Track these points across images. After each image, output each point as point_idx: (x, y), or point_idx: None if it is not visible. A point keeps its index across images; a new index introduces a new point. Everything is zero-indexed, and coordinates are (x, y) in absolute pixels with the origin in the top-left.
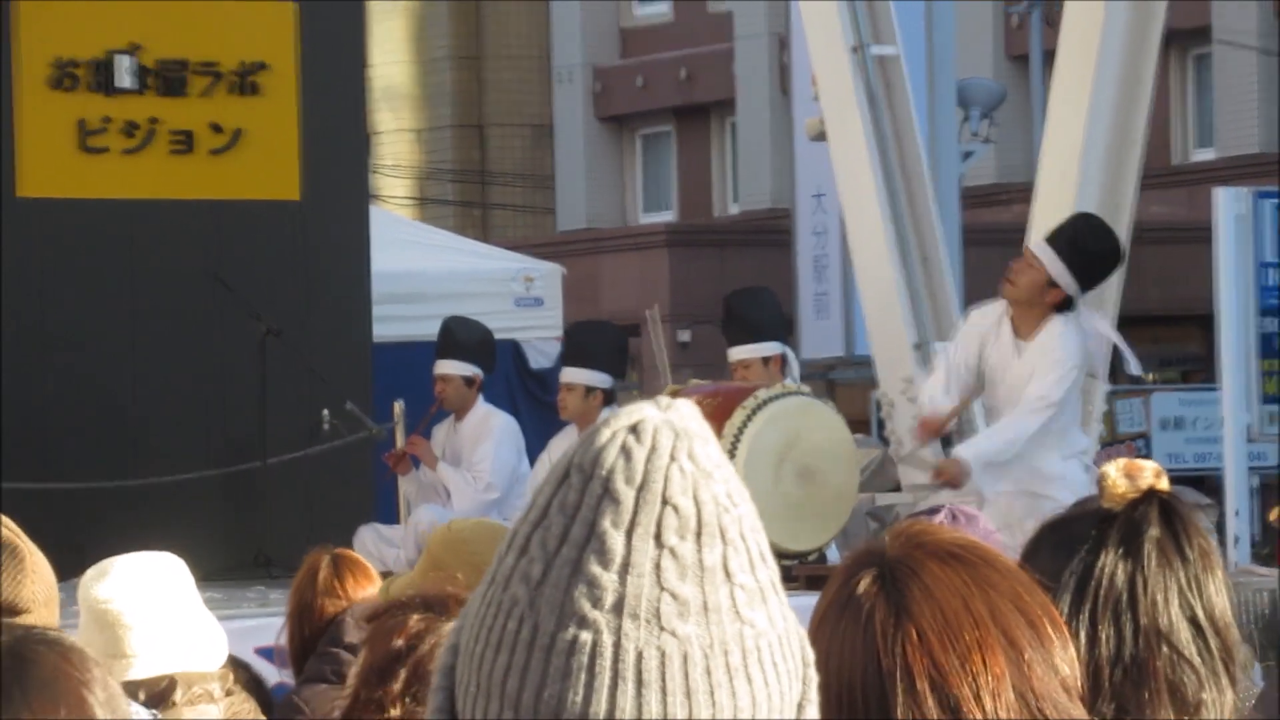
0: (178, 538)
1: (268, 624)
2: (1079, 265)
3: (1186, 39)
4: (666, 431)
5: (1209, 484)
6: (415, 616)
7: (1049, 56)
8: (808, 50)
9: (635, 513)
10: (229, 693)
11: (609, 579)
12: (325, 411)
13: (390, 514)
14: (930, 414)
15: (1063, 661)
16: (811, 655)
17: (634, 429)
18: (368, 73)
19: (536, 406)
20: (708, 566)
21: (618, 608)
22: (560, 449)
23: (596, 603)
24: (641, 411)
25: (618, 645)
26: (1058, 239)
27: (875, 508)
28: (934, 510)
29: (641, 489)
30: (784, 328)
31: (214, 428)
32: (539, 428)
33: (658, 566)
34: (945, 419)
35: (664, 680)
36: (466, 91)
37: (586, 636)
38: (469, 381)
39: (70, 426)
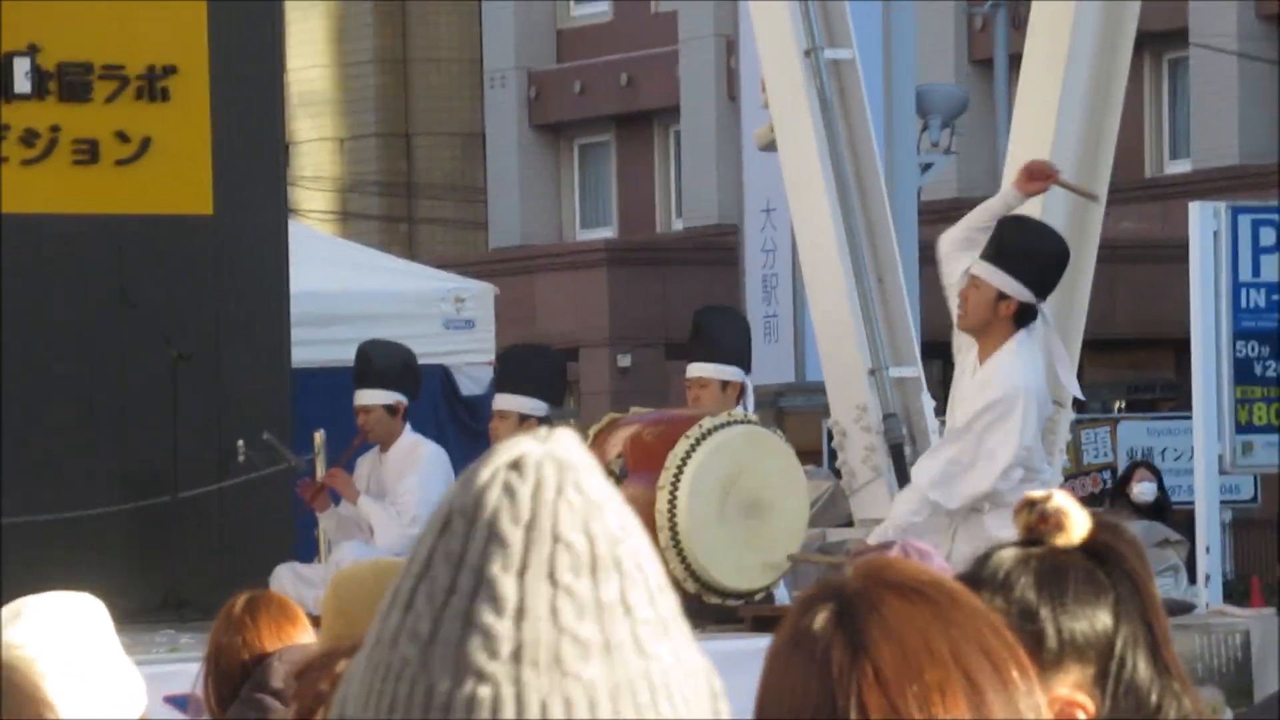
0: (82, 577)
1: (179, 670)
2: (1024, 270)
3: (1161, 42)
4: (550, 465)
5: (1179, 518)
6: (343, 663)
7: (1015, 61)
8: (757, 54)
9: (525, 553)
10: None
11: (504, 627)
12: (240, 442)
13: (310, 552)
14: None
15: (1027, 707)
16: (720, 686)
17: (515, 465)
18: (285, 77)
19: (467, 436)
20: (606, 603)
21: (516, 656)
22: None
23: (493, 654)
24: (521, 446)
25: (520, 697)
26: (989, 250)
27: (826, 544)
28: (886, 545)
29: (529, 528)
30: (750, 356)
31: (121, 459)
32: (470, 458)
33: (554, 608)
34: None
35: None
36: (391, 98)
37: (486, 691)
38: (392, 410)
39: None
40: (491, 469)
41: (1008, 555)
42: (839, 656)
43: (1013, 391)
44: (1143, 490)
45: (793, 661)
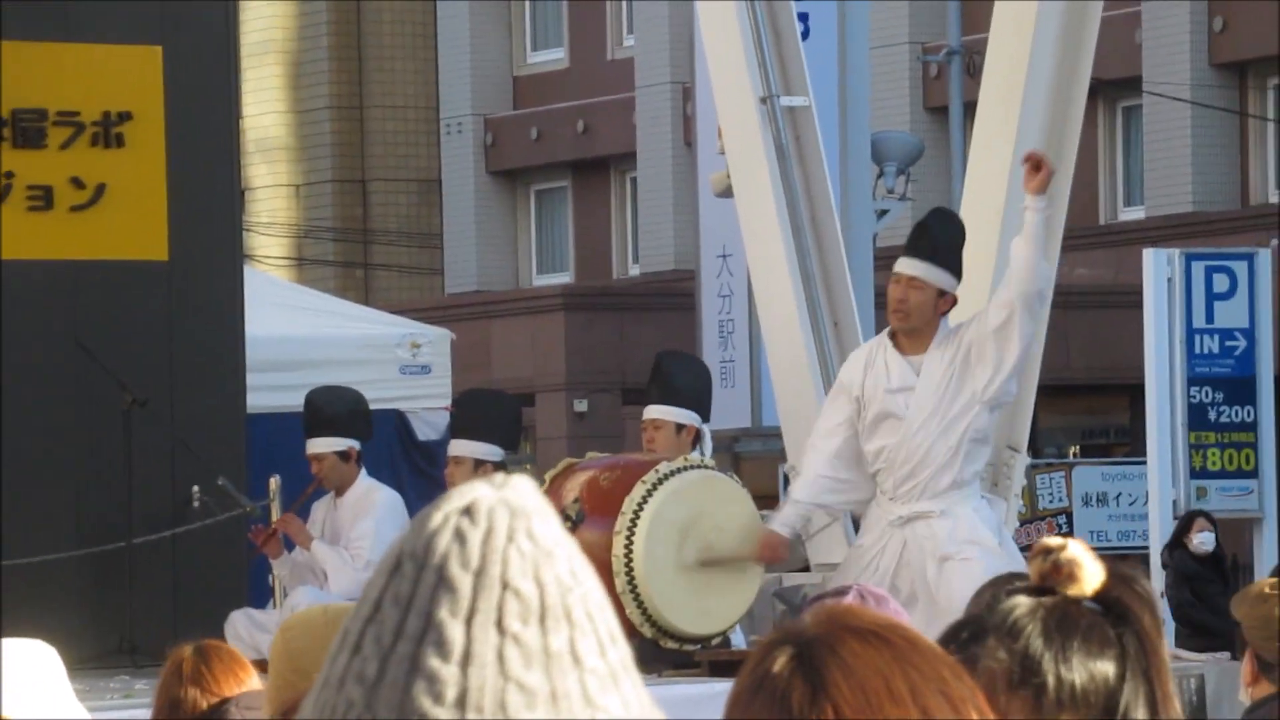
0: (36, 623)
1: (133, 716)
2: (955, 264)
3: (1115, 89)
4: (502, 511)
5: (1134, 563)
6: None
7: (970, 108)
8: (713, 100)
9: (474, 599)
10: None
11: (450, 672)
12: (195, 488)
13: (265, 597)
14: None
15: None
16: None
17: (467, 510)
18: (241, 124)
19: (423, 481)
20: (554, 652)
21: (460, 702)
22: None
23: (438, 699)
24: (474, 491)
25: None
26: (924, 249)
27: (782, 588)
28: (842, 591)
29: (479, 574)
30: (709, 403)
31: (75, 505)
32: (426, 503)
33: (501, 655)
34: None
35: None
36: (348, 144)
37: None
38: (344, 456)
39: None
40: (443, 513)
41: (1019, 603)
42: (799, 698)
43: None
44: (1202, 540)
45: (754, 704)
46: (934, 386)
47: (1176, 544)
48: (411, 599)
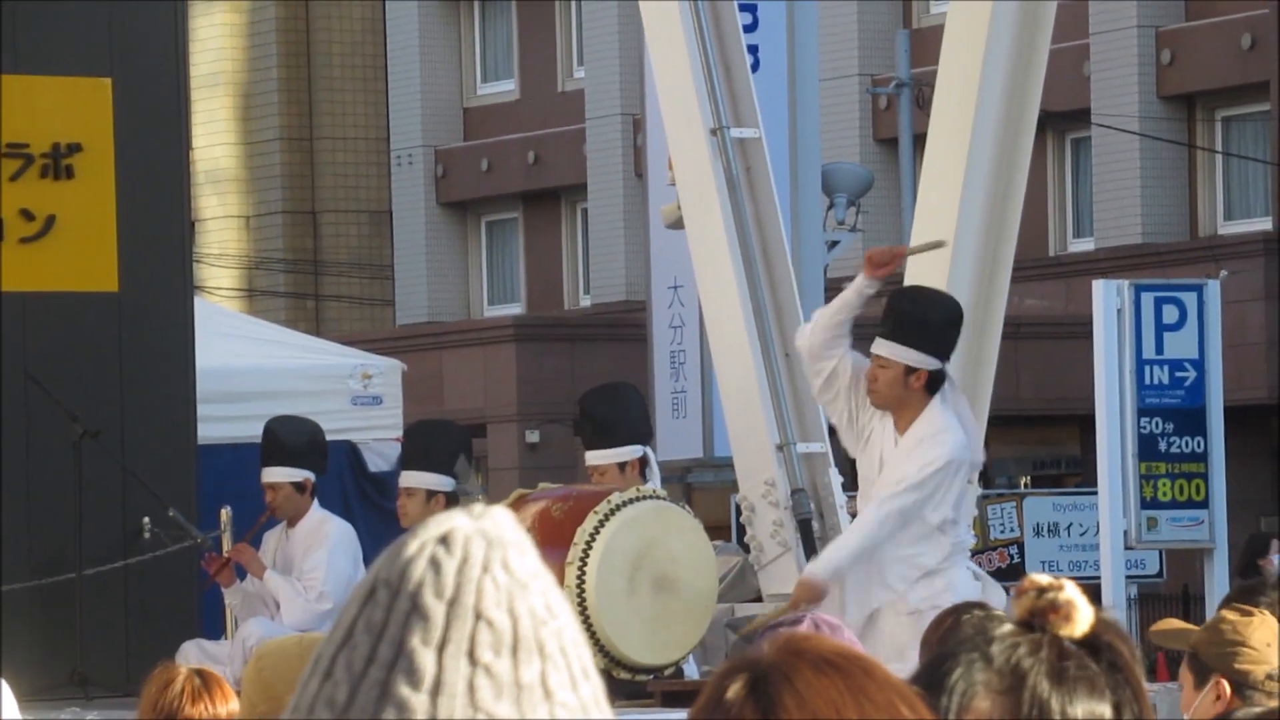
0: None
1: None
2: (924, 340)
3: (1064, 121)
4: (478, 541)
5: (1085, 594)
6: None
7: (919, 140)
8: (664, 132)
9: (446, 629)
10: None
11: (420, 701)
12: (146, 519)
13: (217, 628)
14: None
15: None
16: None
17: (443, 539)
18: (191, 155)
19: (374, 512)
20: (525, 684)
21: None
22: None
23: None
24: (451, 520)
25: None
26: (890, 328)
27: (735, 619)
28: (795, 621)
29: (452, 603)
30: (646, 426)
31: (25, 536)
32: (377, 534)
33: (471, 686)
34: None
35: None
36: (298, 175)
37: None
38: (300, 487)
39: None
40: (420, 541)
41: (1018, 642)
42: None
43: (949, 450)
44: None
45: None
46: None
47: (1249, 566)
48: (384, 626)
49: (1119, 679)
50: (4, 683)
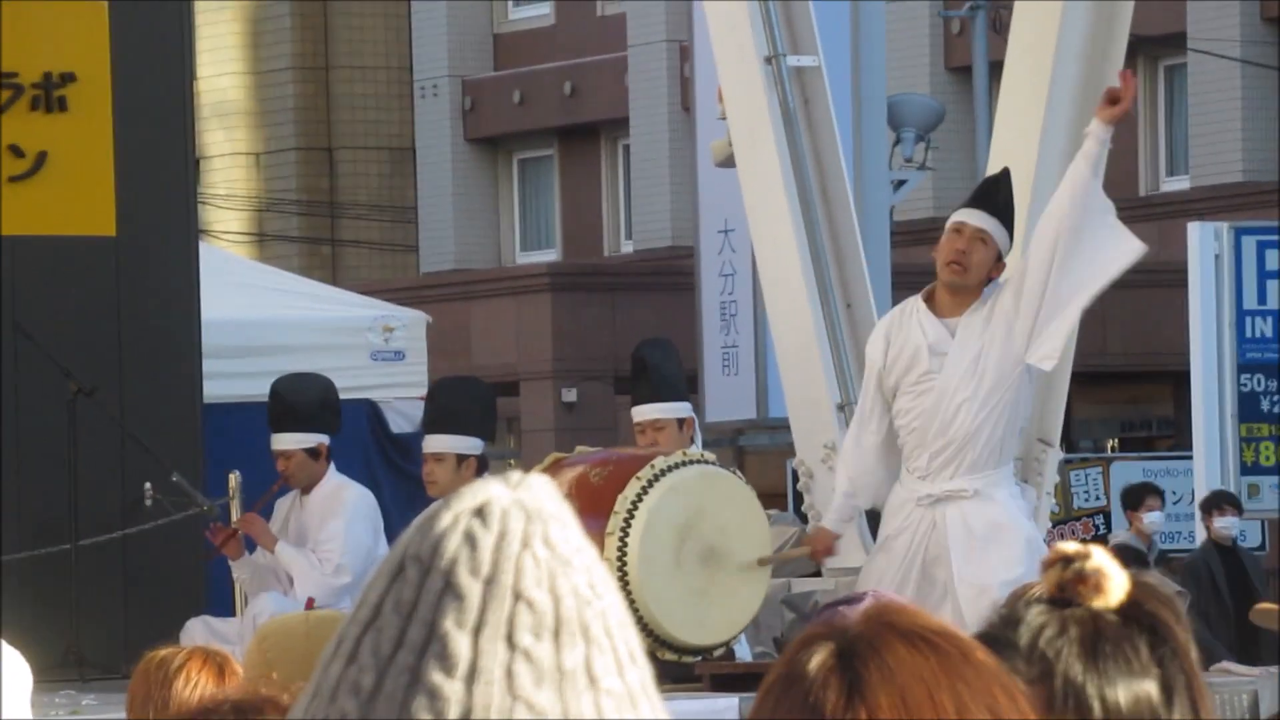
0: None
1: None
2: (1011, 229)
3: (1157, 46)
4: (517, 514)
5: (1178, 567)
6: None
7: (995, 69)
8: (713, 60)
9: (482, 610)
10: None
11: (453, 688)
12: (148, 485)
13: (225, 604)
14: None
15: None
16: None
17: (479, 512)
18: (196, 86)
19: (399, 477)
20: (568, 670)
21: None
22: None
23: (439, 716)
24: (488, 491)
25: None
26: (997, 205)
27: (791, 595)
28: (856, 599)
29: (489, 582)
30: (687, 390)
31: (16, 504)
32: (402, 502)
33: (509, 672)
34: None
35: None
36: (312, 109)
37: None
38: (314, 453)
39: None
40: (454, 513)
41: (1045, 621)
42: (833, 699)
43: None
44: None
45: (784, 701)
46: (971, 351)
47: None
48: (415, 606)
49: (1165, 652)
50: (19, 656)
